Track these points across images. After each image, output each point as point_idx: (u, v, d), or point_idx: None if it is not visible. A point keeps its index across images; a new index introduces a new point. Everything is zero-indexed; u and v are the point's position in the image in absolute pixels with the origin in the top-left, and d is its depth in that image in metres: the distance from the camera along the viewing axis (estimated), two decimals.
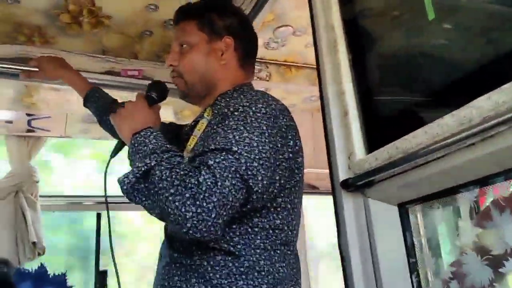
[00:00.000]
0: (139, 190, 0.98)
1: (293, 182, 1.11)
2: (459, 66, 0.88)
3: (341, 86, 1.11)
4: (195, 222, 0.88)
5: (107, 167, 1.23)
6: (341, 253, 1.03)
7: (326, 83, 1.17)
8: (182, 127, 1.47)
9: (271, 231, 1.06)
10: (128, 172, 1.00)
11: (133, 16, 1.90)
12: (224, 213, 0.92)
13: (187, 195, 0.89)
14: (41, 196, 2.37)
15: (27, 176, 2.33)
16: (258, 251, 1.03)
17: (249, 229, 1.04)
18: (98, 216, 2.03)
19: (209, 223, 0.89)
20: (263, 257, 1.03)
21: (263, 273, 1.02)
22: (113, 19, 1.90)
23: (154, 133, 1.08)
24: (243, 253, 1.02)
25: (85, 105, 1.67)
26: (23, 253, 2.13)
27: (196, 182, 0.90)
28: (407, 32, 1.05)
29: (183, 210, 0.89)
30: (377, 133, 1.03)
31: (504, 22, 0.78)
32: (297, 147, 1.12)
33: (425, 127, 0.83)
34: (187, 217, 0.88)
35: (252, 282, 1.00)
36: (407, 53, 1.04)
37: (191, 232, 0.90)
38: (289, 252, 1.09)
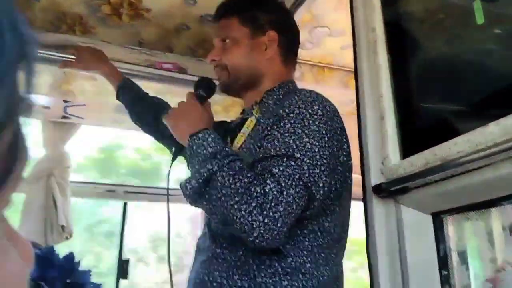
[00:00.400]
0: (201, 194, 0.99)
1: (344, 185, 1.10)
2: (505, 74, 0.84)
3: (379, 90, 1.08)
4: (262, 231, 0.89)
5: (169, 172, 1.24)
6: (369, 260, 1.00)
7: (363, 86, 1.14)
8: (224, 124, 1.47)
9: (319, 234, 1.05)
10: (190, 177, 1.00)
11: (172, 9, 1.91)
12: (289, 222, 0.92)
13: (253, 204, 0.89)
14: (71, 182, 2.42)
15: (60, 162, 2.38)
16: (305, 252, 1.02)
17: (299, 231, 1.03)
18: (125, 206, 2.06)
19: (275, 232, 0.89)
20: (309, 260, 1.02)
21: (307, 275, 1.01)
22: (151, 12, 1.92)
23: (212, 136, 1.07)
24: (291, 253, 1.01)
25: (117, 96, 1.69)
26: (50, 235, 2.18)
27: (262, 191, 0.90)
28: (450, 37, 1.01)
29: (249, 219, 0.89)
30: (413, 139, 1.00)
31: None
32: (348, 150, 1.11)
33: (467, 134, 0.80)
34: (254, 226, 0.89)
35: (296, 284, 0.99)
36: (450, 59, 1.01)
37: (257, 241, 0.90)
38: (333, 256, 1.07)
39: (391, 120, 1.04)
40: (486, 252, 0.93)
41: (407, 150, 0.99)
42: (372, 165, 1.05)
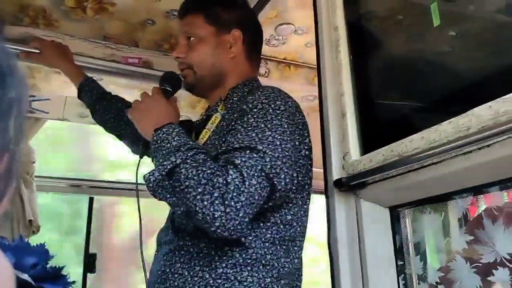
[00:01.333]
0: (164, 187, 0.99)
1: (306, 179, 1.13)
2: (460, 74, 0.88)
3: (341, 87, 1.11)
4: (223, 221, 0.90)
5: (137, 169, 1.23)
6: (329, 251, 1.03)
7: (325, 83, 1.17)
8: (189, 122, 1.48)
9: (281, 226, 1.07)
10: (154, 170, 1.00)
11: (137, 4, 1.89)
12: (251, 212, 0.93)
13: (216, 194, 0.90)
14: (36, 177, 2.36)
15: (25, 156, 2.32)
16: (267, 244, 1.05)
17: (261, 223, 1.05)
18: (91, 200, 2.03)
19: (237, 222, 0.91)
20: (270, 251, 1.05)
21: (268, 266, 1.03)
22: (116, 6, 1.89)
23: (177, 129, 1.08)
24: (253, 245, 1.04)
25: (78, 95, 1.67)
26: (17, 230, 2.13)
27: (224, 182, 0.91)
28: (410, 37, 1.05)
29: (211, 209, 0.90)
30: (373, 135, 1.03)
31: (509, 33, 0.78)
32: (310, 144, 1.14)
33: (423, 132, 0.83)
34: (216, 216, 0.90)
35: (256, 274, 1.02)
36: (409, 58, 1.05)
37: (219, 231, 0.91)
38: (295, 248, 1.11)
39: (352, 117, 1.07)
40: (440, 243, 0.98)
41: (367, 146, 1.02)
42: (334, 161, 1.08)
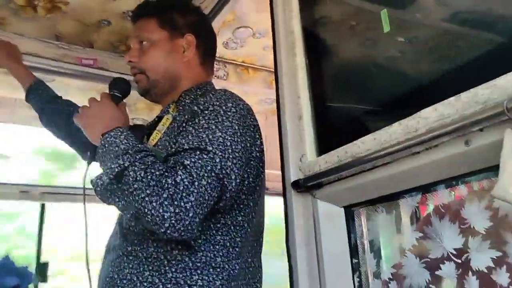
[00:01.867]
0: (112, 191, 0.97)
1: (257, 180, 1.14)
2: (409, 78, 0.93)
3: (297, 90, 1.13)
4: (173, 222, 0.89)
5: (85, 176, 1.20)
6: (288, 251, 1.05)
7: (282, 86, 1.19)
8: (141, 127, 1.46)
9: (232, 228, 1.07)
10: (101, 174, 0.98)
11: (92, 3, 1.84)
12: (201, 212, 0.93)
13: (165, 195, 0.89)
14: None
15: None
16: (217, 247, 1.04)
17: (211, 225, 1.05)
18: (42, 207, 1.96)
19: (187, 222, 0.90)
20: (221, 254, 1.04)
21: (218, 269, 1.03)
22: (70, 5, 1.84)
23: (125, 133, 1.06)
24: (202, 248, 1.03)
25: (26, 98, 1.61)
26: None
27: (173, 182, 0.90)
28: (362, 42, 1.09)
29: (160, 210, 0.89)
30: (328, 137, 1.06)
31: (454, 40, 0.83)
32: (262, 146, 1.15)
33: (374, 133, 0.87)
34: (165, 217, 0.89)
35: (206, 278, 1.01)
36: (361, 63, 1.08)
37: (169, 232, 0.90)
38: (247, 250, 1.11)
39: (308, 119, 1.10)
40: (392, 240, 1.02)
41: (323, 148, 1.05)
42: (291, 162, 1.10)
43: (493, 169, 0.69)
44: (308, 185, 1.04)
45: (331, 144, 0.99)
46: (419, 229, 0.88)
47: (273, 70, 2.33)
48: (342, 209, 1.03)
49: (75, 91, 1.95)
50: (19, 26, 1.90)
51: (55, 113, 1.55)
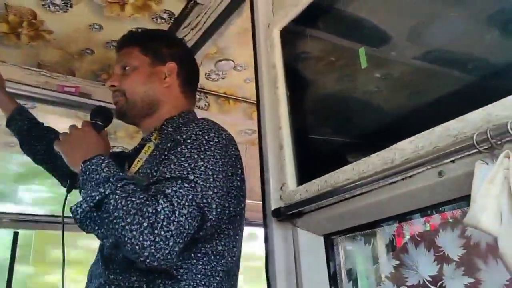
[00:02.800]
0: (92, 219, 0.96)
1: (238, 210, 1.15)
2: (386, 112, 0.97)
3: (279, 121, 1.17)
4: (153, 251, 0.88)
5: (64, 203, 1.20)
6: (268, 280, 1.06)
7: (264, 117, 1.23)
8: (122, 154, 1.47)
9: (212, 257, 1.08)
10: (81, 201, 0.97)
11: (76, 33, 1.88)
12: (181, 241, 0.92)
13: (145, 224, 0.89)
14: None
15: None
16: (199, 276, 1.04)
17: (192, 254, 1.05)
18: (15, 235, 1.90)
19: (167, 251, 0.90)
20: (203, 283, 1.04)
21: None
22: (53, 34, 1.87)
23: (106, 161, 1.06)
24: (185, 277, 1.03)
25: (7, 124, 1.59)
26: None
27: (153, 211, 0.90)
28: (341, 77, 1.14)
29: (140, 239, 0.88)
30: (309, 167, 1.09)
31: (427, 76, 0.88)
32: (243, 176, 1.17)
33: (353, 164, 0.90)
34: (145, 246, 0.88)
35: None
36: (340, 96, 1.13)
37: (148, 260, 0.89)
38: (227, 278, 1.11)
39: (289, 150, 1.13)
40: (371, 268, 1.04)
41: (303, 177, 1.08)
42: (272, 191, 1.12)
43: (466, 199, 0.72)
44: (289, 213, 1.05)
45: (311, 174, 1.02)
46: (396, 257, 0.91)
47: (254, 102, 2.38)
48: (322, 238, 1.05)
49: (56, 118, 1.95)
50: (2, 53, 1.91)
51: (36, 140, 1.54)
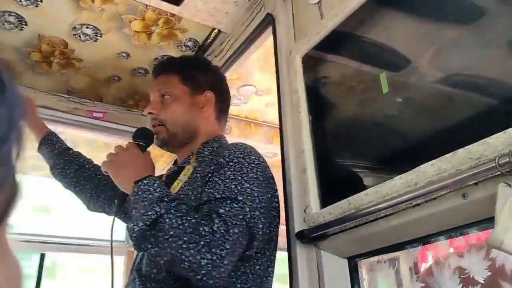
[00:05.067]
0: (147, 237, 0.99)
1: (275, 230, 1.16)
2: (408, 135, 0.99)
3: (301, 145, 1.19)
4: (210, 269, 0.91)
5: (112, 226, 1.22)
6: None
7: (287, 141, 1.26)
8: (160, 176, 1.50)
9: (250, 276, 1.09)
10: (137, 220, 1.00)
11: (104, 61, 1.95)
12: (233, 259, 0.95)
13: (202, 242, 0.92)
14: None
15: None
16: None
17: (232, 273, 1.06)
18: (42, 257, 1.95)
19: (222, 269, 0.92)
20: None
21: None
22: (83, 62, 1.95)
23: (158, 181, 1.09)
24: None
25: (38, 148, 1.64)
26: None
27: (210, 230, 0.93)
28: (363, 101, 1.16)
29: (198, 257, 0.91)
30: (331, 189, 1.11)
31: (448, 100, 0.90)
32: (278, 197, 1.19)
33: (376, 186, 0.92)
34: (202, 264, 0.91)
35: None
36: (362, 120, 1.15)
37: (205, 278, 0.92)
38: None
39: (312, 172, 1.15)
40: None
41: (326, 200, 1.09)
42: (295, 214, 1.14)
43: (490, 221, 0.73)
44: (312, 236, 1.07)
45: (334, 196, 1.04)
46: (421, 280, 0.91)
47: (274, 125, 2.42)
48: (346, 260, 1.06)
49: (84, 143, 2.01)
50: (34, 81, 2.00)
51: (67, 163, 1.58)
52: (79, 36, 1.78)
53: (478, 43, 0.86)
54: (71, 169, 1.56)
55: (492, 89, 0.83)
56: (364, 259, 1.04)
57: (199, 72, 1.39)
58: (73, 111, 2.03)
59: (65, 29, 1.74)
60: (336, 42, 1.22)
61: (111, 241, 1.21)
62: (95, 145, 2.19)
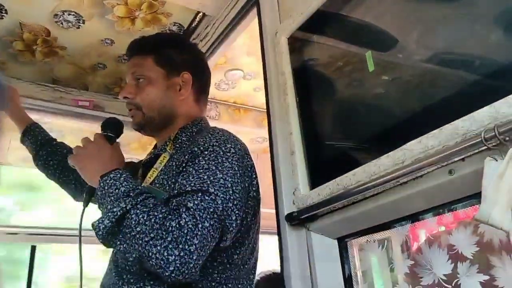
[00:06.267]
0: (114, 234, 0.97)
1: (254, 219, 1.15)
2: (394, 113, 0.98)
3: (289, 127, 1.18)
4: (178, 265, 0.88)
5: (81, 218, 1.21)
6: (283, 284, 1.07)
7: (275, 124, 1.25)
8: (132, 163, 1.48)
9: (228, 266, 1.08)
10: (103, 217, 0.98)
11: (88, 48, 1.92)
12: (204, 254, 0.93)
13: (169, 238, 0.89)
14: None
15: None
16: (213, 284, 1.05)
17: (208, 263, 1.05)
18: (33, 249, 1.94)
19: (191, 265, 0.89)
20: None
21: None
22: (67, 50, 1.91)
23: (124, 175, 1.06)
24: (200, 285, 1.03)
25: (21, 139, 1.61)
26: None
27: (177, 225, 0.90)
28: (349, 81, 1.15)
29: (165, 254, 0.88)
30: (320, 171, 1.10)
31: (433, 77, 0.89)
32: (258, 186, 1.17)
33: (364, 166, 0.91)
34: (170, 260, 0.88)
35: None
36: (349, 100, 1.14)
37: (173, 275, 0.89)
38: (240, 286, 1.11)
39: (300, 155, 1.14)
40: (385, 270, 1.04)
41: (315, 181, 1.09)
42: (284, 196, 1.14)
43: (477, 196, 0.73)
44: (302, 217, 1.07)
45: (323, 178, 1.03)
46: (410, 257, 0.91)
47: (263, 110, 2.40)
48: (336, 241, 1.06)
49: (70, 132, 1.99)
50: (17, 70, 1.96)
51: (50, 154, 1.55)
52: (61, 24, 1.75)
53: (463, 20, 0.85)
54: (54, 160, 1.54)
55: (476, 65, 0.82)
56: (354, 239, 1.04)
57: (174, 51, 1.33)
58: (58, 100, 2.00)
59: (47, 16, 1.70)
60: (322, 22, 1.20)
61: (80, 230, 1.19)
62: (81, 134, 2.16)
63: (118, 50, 1.95)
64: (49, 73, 2.04)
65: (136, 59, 1.34)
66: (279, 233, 1.13)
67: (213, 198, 0.97)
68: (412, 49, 0.97)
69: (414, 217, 0.90)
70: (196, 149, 1.08)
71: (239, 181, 1.05)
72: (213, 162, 1.04)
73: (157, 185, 1.16)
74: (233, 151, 1.09)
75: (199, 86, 1.35)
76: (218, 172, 1.02)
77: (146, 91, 1.28)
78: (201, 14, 1.77)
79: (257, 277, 1.95)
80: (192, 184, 0.99)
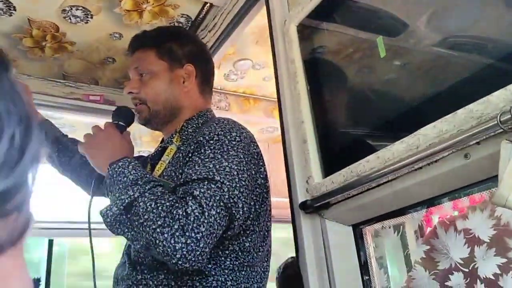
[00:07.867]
0: (122, 222, 0.98)
1: (263, 206, 1.15)
2: (407, 99, 0.98)
3: (300, 115, 1.18)
4: (184, 252, 0.90)
5: (89, 209, 1.22)
6: (299, 271, 1.08)
7: (286, 113, 1.24)
8: (142, 157, 1.48)
9: (240, 253, 1.09)
10: (111, 204, 0.99)
11: (97, 43, 1.92)
12: (211, 242, 0.94)
13: (176, 226, 0.90)
14: None
15: None
16: (226, 271, 1.06)
17: (220, 252, 1.06)
18: (50, 243, 1.96)
19: (198, 253, 0.91)
20: (230, 278, 1.06)
21: None
22: (76, 45, 1.92)
23: (133, 163, 1.07)
24: (213, 273, 1.04)
25: None
26: None
27: (184, 213, 0.91)
28: (360, 67, 1.15)
29: (172, 241, 0.90)
30: (333, 158, 1.11)
31: (446, 62, 0.88)
32: (265, 173, 1.17)
33: (378, 152, 0.91)
34: (177, 248, 0.89)
35: None
36: (361, 86, 1.14)
37: (180, 262, 0.90)
38: (254, 274, 1.12)
39: (313, 143, 1.14)
40: (400, 255, 1.04)
41: (328, 169, 1.09)
42: (298, 185, 1.14)
43: (493, 180, 0.72)
44: (316, 205, 1.07)
45: (336, 165, 1.03)
46: (426, 242, 0.91)
47: (273, 99, 2.40)
48: (351, 228, 1.06)
49: (83, 127, 2.00)
50: (28, 67, 1.98)
51: (61, 151, 1.56)
52: (69, 19, 1.75)
53: (475, 2, 0.84)
54: (66, 156, 1.55)
55: (490, 47, 0.81)
56: (368, 225, 1.04)
57: (176, 43, 1.33)
58: (69, 96, 2.01)
59: (55, 11, 1.70)
60: (331, 9, 1.19)
61: (89, 223, 1.20)
62: None
63: (127, 43, 1.91)
64: (59, 68, 2.05)
65: (138, 54, 1.35)
66: (293, 221, 1.14)
67: (219, 186, 0.98)
68: (423, 34, 0.96)
69: (429, 203, 0.90)
70: (201, 138, 1.09)
71: (245, 168, 1.05)
72: (219, 151, 1.04)
73: (166, 177, 1.17)
74: (239, 139, 1.09)
75: (202, 77, 1.35)
76: (224, 160, 1.02)
77: (150, 85, 1.28)
78: (208, 4, 1.77)
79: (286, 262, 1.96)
80: (198, 173, 1.00)
